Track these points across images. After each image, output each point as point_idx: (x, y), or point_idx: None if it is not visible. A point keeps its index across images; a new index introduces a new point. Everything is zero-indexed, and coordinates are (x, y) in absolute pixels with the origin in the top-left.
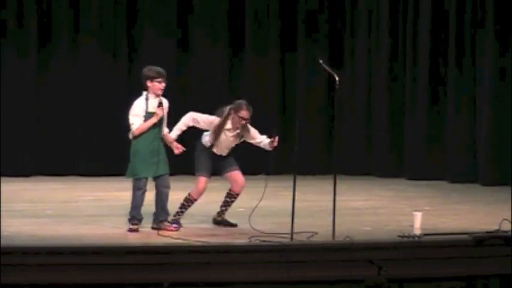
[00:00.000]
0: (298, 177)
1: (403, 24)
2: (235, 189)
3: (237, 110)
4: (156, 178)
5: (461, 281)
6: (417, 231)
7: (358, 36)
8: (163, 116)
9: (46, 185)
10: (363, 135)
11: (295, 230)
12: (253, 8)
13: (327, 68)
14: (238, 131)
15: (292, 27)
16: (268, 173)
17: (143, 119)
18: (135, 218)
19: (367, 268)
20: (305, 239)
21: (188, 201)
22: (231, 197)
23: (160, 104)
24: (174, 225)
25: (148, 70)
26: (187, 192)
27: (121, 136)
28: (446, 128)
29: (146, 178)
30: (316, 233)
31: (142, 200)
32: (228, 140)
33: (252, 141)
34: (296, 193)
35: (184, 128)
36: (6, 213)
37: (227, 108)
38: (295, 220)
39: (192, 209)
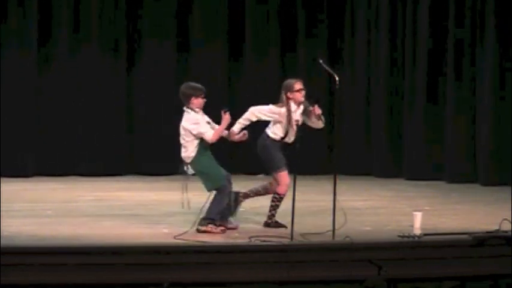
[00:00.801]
0: (298, 177)
1: (402, 24)
2: (281, 190)
3: (290, 87)
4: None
5: (461, 281)
6: (417, 231)
7: (358, 37)
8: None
9: (46, 185)
10: (362, 135)
11: (298, 230)
12: (253, 7)
13: (327, 68)
14: (302, 107)
15: (291, 27)
16: (267, 173)
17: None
18: (215, 220)
19: (367, 268)
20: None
21: (279, 200)
22: (277, 200)
23: (226, 111)
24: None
25: (189, 88)
26: (274, 193)
27: (121, 136)
28: (445, 128)
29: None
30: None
31: (226, 204)
32: (297, 118)
33: (310, 120)
34: (296, 193)
35: (247, 123)
36: (6, 213)
37: (282, 94)
38: (296, 220)
39: (193, 210)
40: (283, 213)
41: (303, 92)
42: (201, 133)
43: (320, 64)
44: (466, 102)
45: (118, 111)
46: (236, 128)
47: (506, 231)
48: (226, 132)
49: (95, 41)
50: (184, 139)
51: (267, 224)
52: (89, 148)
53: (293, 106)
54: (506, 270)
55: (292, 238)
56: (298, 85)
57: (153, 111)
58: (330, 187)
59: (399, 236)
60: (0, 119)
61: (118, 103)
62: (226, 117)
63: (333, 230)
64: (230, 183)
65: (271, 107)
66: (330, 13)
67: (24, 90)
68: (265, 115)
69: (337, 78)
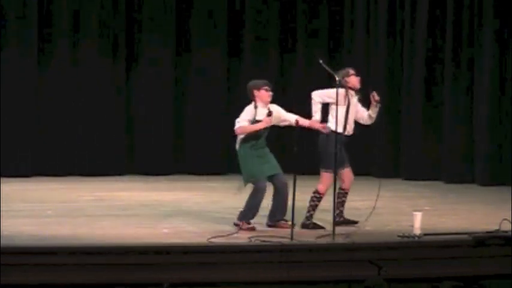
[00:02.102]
0: (298, 177)
1: (401, 24)
2: (346, 186)
3: (346, 72)
4: (271, 178)
5: (461, 281)
6: (417, 231)
7: (357, 37)
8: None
9: (46, 185)
10: (361, 135)
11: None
12: (253, 9)
13: (326, 67)
14: (357, 97)
15: (291, 27)
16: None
17: (248, 122)
18: (247, 217)
19: (367, 268)
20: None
21: (318, 200)
22: (343, 195)
23: (269, 114)
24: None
25: (252, 83)
26: (314, 190)
27: (121, 136)
28: (443, 128)
29: (265, 179)
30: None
31: (260, 201)
32: (354, 107)
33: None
34: (296, 193)
35: (319, 106)
36: (6, 213)
37: (339, 81)
38: (295, 220)
39: (193, 210)
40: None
41: (359, 78)
42: (237, 121)
43: (320, 64)
44: (465, 103)
45: (118, 111)
46: (317, 116)
47: (506, 231)
48: (292, 122)
49: (95, 41)
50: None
51: (304, 225)
52: (89, 148)
53: (351, 90)
54: (506, 270)
55: (292, 238)
56: (352, 70)
57: (153, 111)
58: (330, 187)
59: (399, 236)
60: (0, 119)
61: (118, 103)
62: (265, 120)
63: (333, 230)
64: (284, 185)
65: (328, 89)
66: (330, 12)
67: (24, 90)
68: (324, 97)
69: (337, 78)
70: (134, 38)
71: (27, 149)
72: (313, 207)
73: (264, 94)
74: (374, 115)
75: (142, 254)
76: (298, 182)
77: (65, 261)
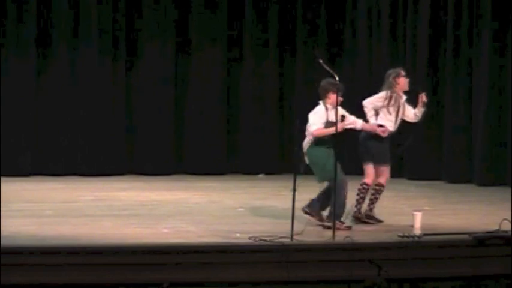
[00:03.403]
0: (299, 177)
1: (403, 25)
2: (382, 180)
3: (398, 73)
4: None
5: (462, 281)
6: (417, 231)
7: (358, 37)
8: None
9: (46, 185)
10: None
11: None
12: (252, 9)
13: (326, 67)
14: (404, 97)
15: (291, 29)
16: (267, 173)
17: (323, 125)
18: (340, 216)
19: (367, 268)
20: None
21: (366, 191)
22: (377, 192)
23: (343, 119)
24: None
25: (329, 83)
26: (361, 183)
27: (121, 136)
28: (443, 128)
29: (342, 175)
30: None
31: (345, 197)
32: (403, 108)
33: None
34: (296, 193)
35: (373, 112)
36: (6, 213)
37: (390, 78)
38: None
39: (193, 210)
40: (283, 213)
41: (408, 80)
42: (309, 123)
43: (320, 64)
44: (464, 103)
45: (118, 111)
46: (372, 121)
47: (506, 231)
48: (357, 126)
49: (95, 41)
50: (306, 129)
51: (357, 219)
52: (89, 148)
53: (402, 89)
54: (506, 270)
55: (292, 238)
56: (403, 71)
57: (153, 111)
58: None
59: (399, 236)
60: (0, 119)
61: (118, 103)
62: (340, 125)
63: (333, 230)
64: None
65: (375, 96)
66: (330, 13)
67: (24, 91)
68: (373, 102)
69: (337, 78)
70: (134, 37)
71: (27, 149)
72: (363, 199)
73: (334, 98)
74: (420, 114)
75: (142, 254)
76: (298, 182)
77: (65, 261)
